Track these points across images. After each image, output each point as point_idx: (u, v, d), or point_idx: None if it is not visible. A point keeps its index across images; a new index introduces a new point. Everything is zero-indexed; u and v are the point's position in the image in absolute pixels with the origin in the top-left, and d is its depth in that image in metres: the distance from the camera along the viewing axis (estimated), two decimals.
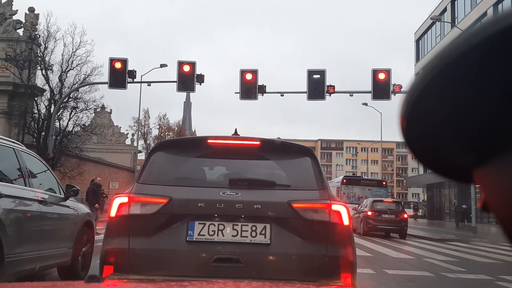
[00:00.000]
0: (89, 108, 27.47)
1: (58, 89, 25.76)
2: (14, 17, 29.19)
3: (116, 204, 3.15)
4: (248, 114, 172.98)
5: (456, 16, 31.93)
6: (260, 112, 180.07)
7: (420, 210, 50.85)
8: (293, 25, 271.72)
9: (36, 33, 26.43)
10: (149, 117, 48.15)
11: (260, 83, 18.35)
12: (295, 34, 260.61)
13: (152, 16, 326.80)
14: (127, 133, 49.85)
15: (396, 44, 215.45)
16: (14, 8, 29.44)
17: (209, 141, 3.48)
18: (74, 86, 25.41)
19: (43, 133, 25.22)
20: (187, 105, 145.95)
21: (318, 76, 18.35)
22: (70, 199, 5.79)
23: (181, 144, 3.90)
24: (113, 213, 3.15)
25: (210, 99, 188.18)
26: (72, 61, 25.86)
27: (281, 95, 19.88)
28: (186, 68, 18.15)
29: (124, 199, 3.15)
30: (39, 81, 27.00)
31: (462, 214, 29.52)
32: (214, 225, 3.06)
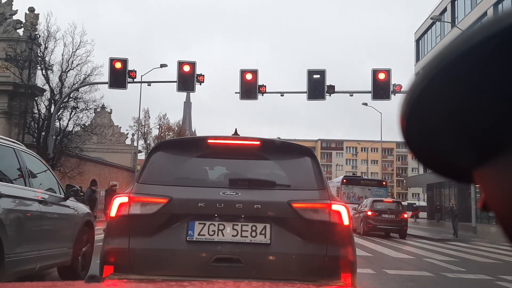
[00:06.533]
0: (89, 108, 27.52)
1: (58, 89, 25.79)
2: (14, 17, 29.19)
3: (116, 204, 3.15)
4: (248, 114, 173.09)
5: (456, 16, 31.91)
6: (260, 112, 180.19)
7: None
8: (290, 29, 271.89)
9: (36, 33, 26.43)
10: (149, 117, 48.26)
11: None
12: (292, 39, 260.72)
13: (126, 24, 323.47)
14: (127, 133, 49.87)
15: (396, 44, 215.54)
16: (14, 8, 29.45)
17: (209, 141, 3.48)
18: (74, 86, 25.43)
19: (43, 133, 25.23)
20: (187, 105, 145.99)
21: (318, 76, 18.35)
22: (70, 199, 5.79)
23: (181, 144, 3.90)
24: (113, 213, 3.15)
25: (208, 99, 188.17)
26: (72, 61, 25.92)
27: (281, 95, 19.90)
28: (186, 68, 18.15)
29: (124, 199, 3.15)
30: (39, 81, 27.04)
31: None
32: (214, 225, 3.06)
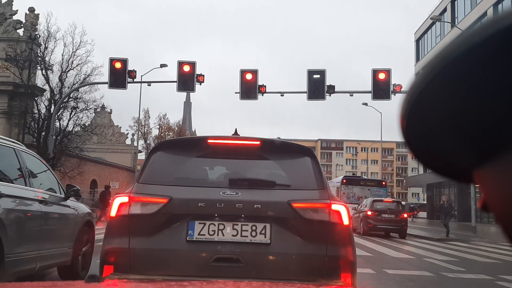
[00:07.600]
0: (89, 108, 27.54)
1: (58, 89, 25.82)
2: (14, 17, 29.23)
3: (117, 204, 3.15)
4: (248, 114, 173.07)
5: (456, 16, 31.91)
6: (260, 112, 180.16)
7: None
8: (287, 31, 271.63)
9: (36, 33, 26.45)
10: (149, 117, 48.19)
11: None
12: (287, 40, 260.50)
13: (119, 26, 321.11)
14: (127, 133, 49.87)
15: (396, 44, 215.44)
16: (14, 8, 29.47)
17: (209, 141, 3.48)
18: (74, 86, 25.44)
19: (43, 133, 25.25)
20: (187, 105, 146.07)
21: (318, 76, 18.36)
22: (70, 199, 5.79)
23: (181, 144, 3.90)
24: (113, 213, 3.15)
25: (208, 99, 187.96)
26: (72, 61, 25.94)
27: (281, 95, 19.91)
28: (186, 68, 18.16)
29: (125, 199, 3.15)
30: (39, 81, 27.07)
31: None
32: (214, 225, 3.06)
